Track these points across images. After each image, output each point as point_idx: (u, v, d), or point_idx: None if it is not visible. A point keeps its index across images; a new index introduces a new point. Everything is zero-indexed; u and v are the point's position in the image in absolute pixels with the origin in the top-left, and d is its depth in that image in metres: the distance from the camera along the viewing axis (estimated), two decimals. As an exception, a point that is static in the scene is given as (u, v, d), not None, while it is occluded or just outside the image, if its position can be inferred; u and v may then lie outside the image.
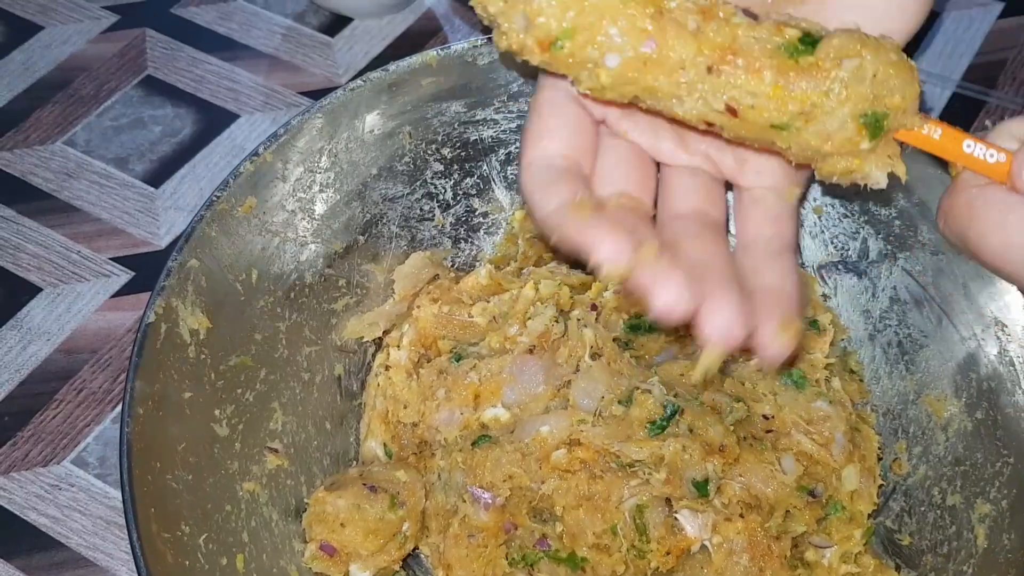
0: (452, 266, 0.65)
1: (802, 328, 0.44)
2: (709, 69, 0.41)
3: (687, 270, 0.42)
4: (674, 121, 0.44)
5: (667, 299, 0.40)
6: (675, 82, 0.41)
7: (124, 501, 0.47)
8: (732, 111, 0.41)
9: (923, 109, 0.85)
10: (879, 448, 0.59)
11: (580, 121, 0.47)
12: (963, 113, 0.82)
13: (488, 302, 0.61)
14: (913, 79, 0.42)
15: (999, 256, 0.41)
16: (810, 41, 0.41)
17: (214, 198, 0.55)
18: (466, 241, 0.66)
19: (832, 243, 0.62)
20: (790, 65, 0.41)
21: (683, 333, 0.61)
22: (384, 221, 0.63)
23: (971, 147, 0.43)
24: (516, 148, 0.64)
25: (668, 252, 0.42)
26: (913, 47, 0.86)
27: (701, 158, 0.48)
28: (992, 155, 0.42)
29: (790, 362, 0.58)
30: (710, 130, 0.43)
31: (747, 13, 0.42)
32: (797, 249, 0.46)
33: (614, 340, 0.58)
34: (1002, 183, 0.42)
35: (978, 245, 0.41)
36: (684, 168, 0.48)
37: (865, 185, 0.44)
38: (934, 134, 0.43)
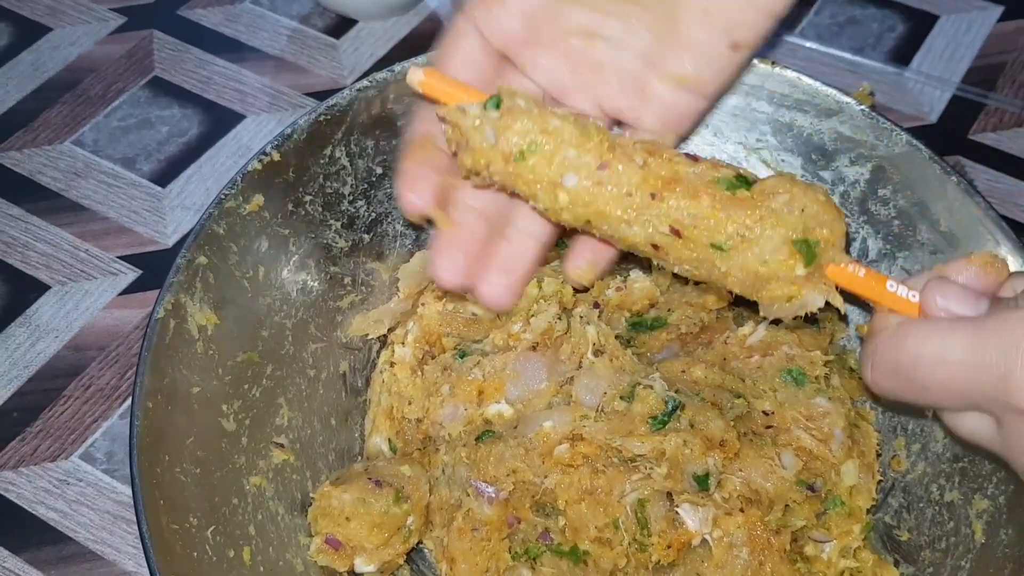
0: (456, 264, 0.66)
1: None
2: (653, 196, 0.46)
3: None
4: (628, 246, 0.49)
5: (442, 272, 0.50)
6: (624, 206, 0.46)
7: (133, 492, 0.48)
8: (676, 232, 0.46)
9: (922, 110, 0.86)
10: (878, 445, 0.59)
11: (483, 51, 0.51)
12: (963, 114, 0.83)
13: (492, 300, 0.61)
14: (839, 218, 0.46)
15: (932, 368, 0.42)
16: (744, 182, 0.46)
17: (222, 196, 0.56)
18: (470, 240, 0.67)
19: (832, 242, 0.63)
20: (725, 195, 0.46)
21: (685, 331, 0.61)
22: (389, 220, 0.63)
23: (893, 287, 0.46)
24: (520, 148, 0.65)
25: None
26: (913, 49, 0.87)
27: (592, 104, 0.51)
28: (914, 295, 0.45)
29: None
30: (657, 255, 0.48)
31: (688, 156, 0.47)
32: None
33: (616, 337, 0.58)
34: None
35: (911, 364, 0.43)
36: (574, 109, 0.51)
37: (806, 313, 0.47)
38: (859, 272, 0.46)
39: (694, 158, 0.47)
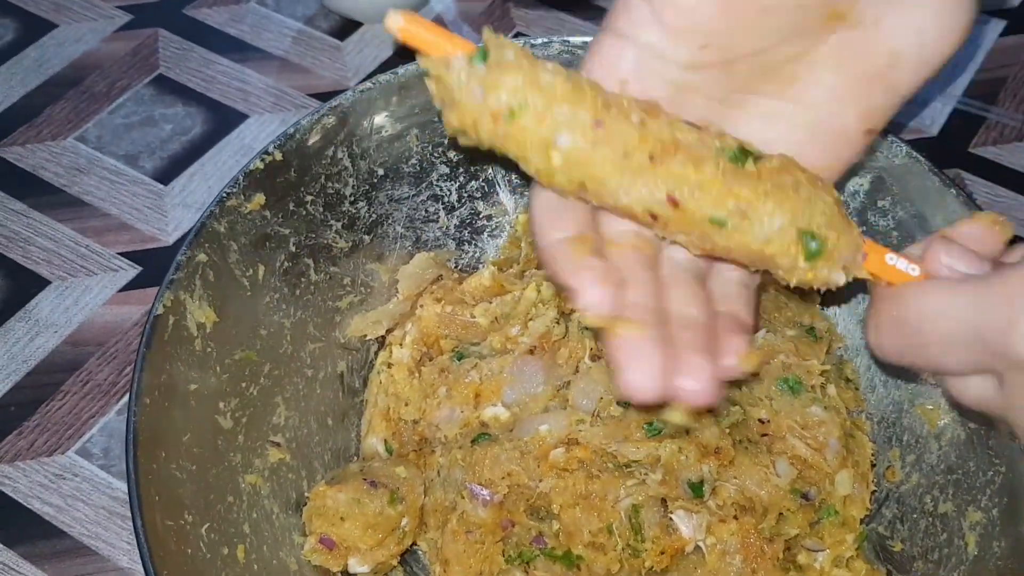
0: (456, 267, 0.66)
1: (758, 358, 0.45)
2: (651, 158, 0.42)
3: (662, 331, 0.42)
4: (624, 213, 0.45)
5: (635, 381, 0.41)
6: (621, 168, 0.42)
7: (129, 488, 0.48)
8: (673, 202, 0.42)
9: (924, 123, 0.86)
10: (873, 455, 0.59)
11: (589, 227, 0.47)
12: (964, 128, 0.83)
13: (490, 303, 0.61)
14: (848, 229, 0.43)
15: (934, 323, 0.41)
16: (749, 155, 0.43)
17: (224, 194, 0.56)
18: (470, 243, 0.67)
19: (831, 253, 0.63)
20: (729, 166, 0.42)
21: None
22: (390, 221, 0.64)
23: (893, 260, 0.44)
24: (521, 153, 0.65)
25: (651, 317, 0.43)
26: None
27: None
28: (914, 269, 0.44)
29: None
30: (655, 225, 0.44)
31: (689, 123, 0.43)
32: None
33: (614, 343, 0.58)
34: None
35: (916, 323, 0.42)
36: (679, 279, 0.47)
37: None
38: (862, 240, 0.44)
39: (695, 126, 0.43)
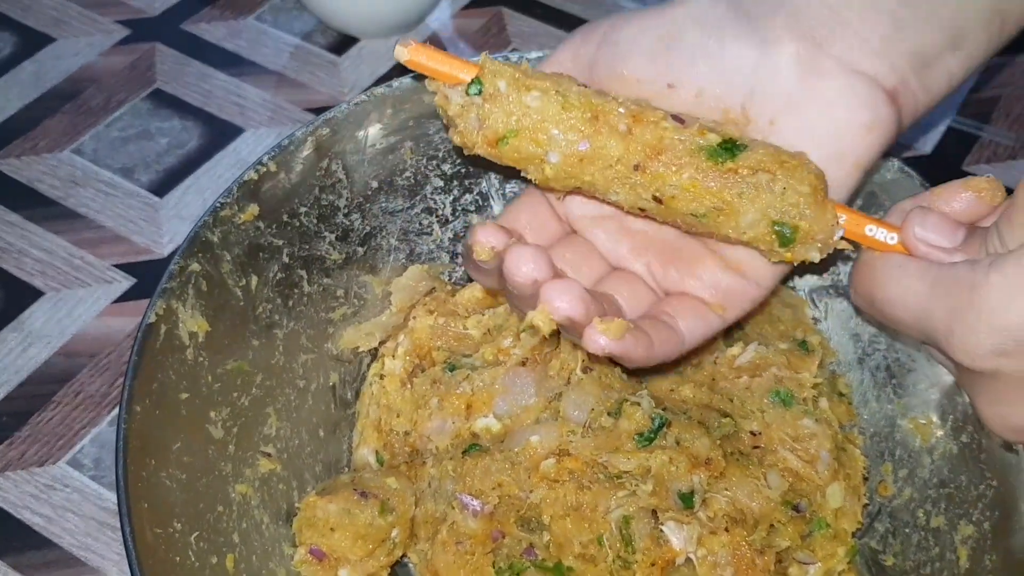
0: (449, 280, 0.66)
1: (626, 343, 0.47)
2: (636, 167, 0.47)
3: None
4: (616, 206, 0.50)
5: (514, 267, 0.45)
6: (608, 177, 0.47)
7: (118, 495, 0.48)
8: (658, 200, 0.47)
9: (917, 142, 0.86)
10: (865, 469, 0.59)
11: (547, 219, 0.54)
12: (958, 146, 0.84)
13: (483, 315, 0.61)
14: (821, 215, 0.47)
15: (893, 306, 0.46)
16: (730, 147, 0.47)
17: (217, 204, 0.56)
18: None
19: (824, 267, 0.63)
20: (708, 166, 0.47)
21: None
22: (383, 234, 0.64)
23: (872, 231, 0.48)
24: (515, 166, 0.65)
25: None
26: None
27: (645, 268, 0.53)
28: (892, 238, 0.47)
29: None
30: (644, 215, 0.49)
31: (675, 118, 0.47)
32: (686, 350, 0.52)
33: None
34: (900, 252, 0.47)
35: (881, 300, 0.46)
36: (628, 272, 0.53)
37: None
38: (840, 218, 0.48)
39: (681, 120, 0.47)
